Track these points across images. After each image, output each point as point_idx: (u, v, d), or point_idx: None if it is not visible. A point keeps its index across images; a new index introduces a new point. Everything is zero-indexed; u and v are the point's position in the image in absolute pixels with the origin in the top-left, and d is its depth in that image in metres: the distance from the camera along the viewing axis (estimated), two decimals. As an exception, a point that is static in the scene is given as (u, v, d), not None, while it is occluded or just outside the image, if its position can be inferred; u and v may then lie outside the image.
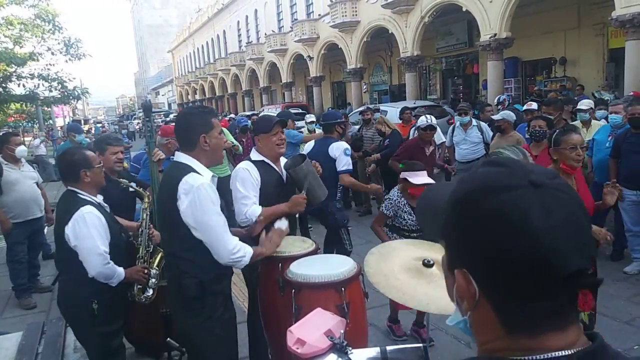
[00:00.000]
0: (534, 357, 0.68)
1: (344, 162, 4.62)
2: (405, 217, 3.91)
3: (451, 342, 3.90)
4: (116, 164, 3.91)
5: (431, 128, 5.93)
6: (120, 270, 2.86)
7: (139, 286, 3.06)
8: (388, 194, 7.66)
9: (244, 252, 2.45)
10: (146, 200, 3.36)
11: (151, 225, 3.28)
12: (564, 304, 0.70)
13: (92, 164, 2.93)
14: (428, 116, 6.12)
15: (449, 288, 0.81)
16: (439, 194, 0.88)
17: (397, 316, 4.14)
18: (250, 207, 3.04)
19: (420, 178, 3.87)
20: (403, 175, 3.99)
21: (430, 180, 3.99)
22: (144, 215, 3.28)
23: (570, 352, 0.68)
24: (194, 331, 2.48)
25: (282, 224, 2.86)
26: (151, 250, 3.21)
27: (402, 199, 3.95)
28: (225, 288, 2.62)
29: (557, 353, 0.68)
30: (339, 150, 4.65)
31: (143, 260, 3.14)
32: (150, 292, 3.07)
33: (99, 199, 2.98)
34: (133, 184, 3.71)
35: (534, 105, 7.11)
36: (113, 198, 3.31)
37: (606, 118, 5.96)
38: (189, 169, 2.41)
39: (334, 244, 4.88)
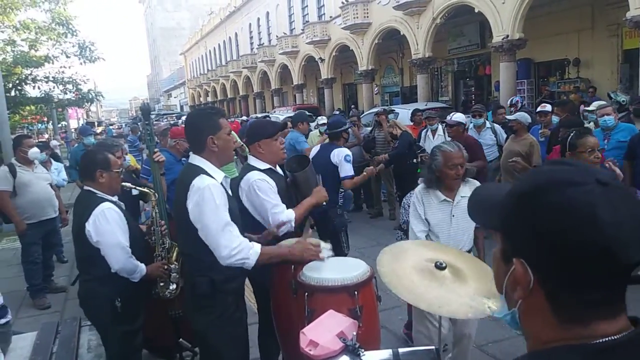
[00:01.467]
0: (587, 343, 0.72)
1: (345, 169, 4.75)
2: None
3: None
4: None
5: (451, 125, 6.01)
6: (142, 265, 2.93)
7: (161, 283, 3.13)
8: (399, 194, 7.70)
9: (247, 255, 2.37)
10: (153, 198, 3.40)
11: (162, 222, 3.31)
12: (617, 295, 0.74)
13: (111, 166, 2.98)
14: (452, 114, 6.30)
15: (499, 278, 0.85)
16: (493, 190, 0.95)
17: None
18: (285, 213, 2.94)
19: None
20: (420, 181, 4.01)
21: None
22: (153, 213, 3.33)
23: (619, 336, 0.72)
24: (207, 329, 2.52)
25: (326, 248, 2.71)
26: (167, 247, 3.24)
27: None
28: (237, 288, 2.65)
29: (608, 338, 0.72)
30: (340, 157, 4.77)
31: (161, 257, 3.19)
32: (174, 285, 3.14)
33: (115, 198, 3.04)
34: (135, 187, 3.72)
35: (548, 107, 7.03)
36: None
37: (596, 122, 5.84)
38: (200, 171, 2.45)
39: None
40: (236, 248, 2.35)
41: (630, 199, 0.73)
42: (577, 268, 0.71)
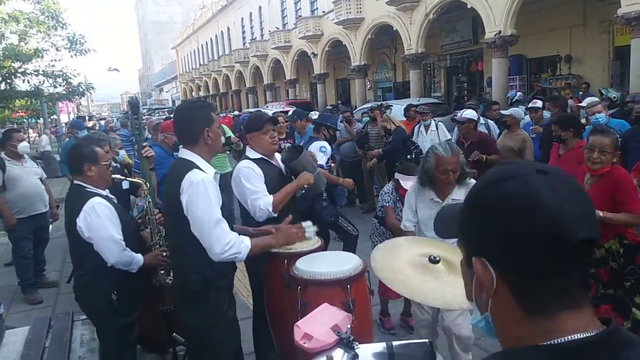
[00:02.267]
0: (555, 342, 0.72)
1: (318, 158, 4.80)
2: (398, 212, 4.02)
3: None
4: None
5: (461, 122, 5.79)
6: (139, 256, 2.92)
7: (162, 271, 3.13)
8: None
9: (239, 249, 2.40)
10: (144, 188, 3.40)
11: (156, 211, 3.31)
12: (576, 281, 0.74)
13: (98, 159, 2.95)
14: (463, 110, 6.16)
15: (467, 286, 0.86)
16: (453, 206, 0.99)
17: (387, 309, 4.26)
18: (262, 199, 3.04)
19: (410, 183, 3.97)
20: (397, 176, 4.11)
21: None
22: (146, 203, 3.33)
23: (588, 335, 0.72)
24: (200, 327, 2.51)
25: (309, 226, 2.82)
26: (163, 234, 3.23)
27: (397, 193, 4.10)
28: (229, 285, 2.66)
29: (575, 335, 0.71)
30: (315, 148, 4.91)
31: (158, 245, 3.18)
32: None
33: (106, 192, 3.01)
34: (125, 178, 3.68)
35: (539, 104, 7.07)
36: None
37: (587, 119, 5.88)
38: (192, 165, 2.44)
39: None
40: (229, 244, 2.37)
41: (571, 183, 0.76)
42: (530, 255, 0.72)
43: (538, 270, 0.73)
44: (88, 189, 2.89)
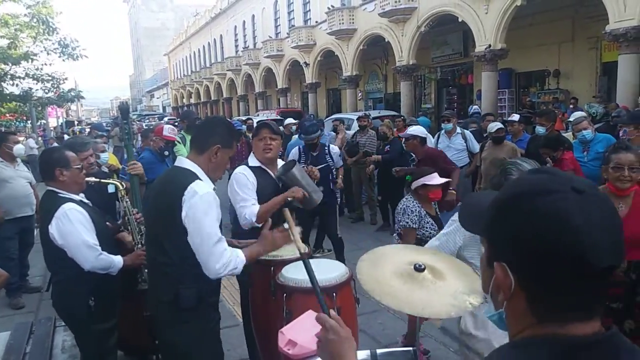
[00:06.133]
0: (564, 337, 0.77)
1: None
2: (428, 228, 3.66)
3: (439, 349, 3.91)
4: (87, 168, 3.82)
5: (406, 138, 5.71)
6: (117, 258, 2.85)
7: (146, 270, 2.99)
8: (380, 198, 7.74)
9: (235, 264, 2.31)
10: (121, 188, 3.38)
11: (135, 211, 3.26)
12: (591, 298, 0.78)
13: (70, 163, 2.88)
14: (412, 127, 6.11)
15: (485, 282, 0.90)
16: (480, 198, 1.03)
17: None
18: (249, 208, 3.06)
19: (437, 179, 3.73)
20: (420, 182, 3.74)
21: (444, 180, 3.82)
22: (124, 203, 3.29)
23: (594, 335, 0.77)
24: (189, 346, 2.34)
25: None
26: (144, 233, 3.14)
27: (422, 208, 3.70)
28: (217, 301, 2.56)
29: (583, 334, 0.77)
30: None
31: (140, 244, 3.11)
32: None
33: (80, 196, 2.93)
34: (100, 180, 3.57)
35: (515, 117, 7.24)
36: (92, 202, 3.14)
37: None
38: (194, 176, 2.31)
39: None
40: (228, 261, 2.27)
41: (605, 206, 0.77)
42: (554, 272, 0.75)
43: (557, 285, 0.76)
44: (61, 195, 2.82)
